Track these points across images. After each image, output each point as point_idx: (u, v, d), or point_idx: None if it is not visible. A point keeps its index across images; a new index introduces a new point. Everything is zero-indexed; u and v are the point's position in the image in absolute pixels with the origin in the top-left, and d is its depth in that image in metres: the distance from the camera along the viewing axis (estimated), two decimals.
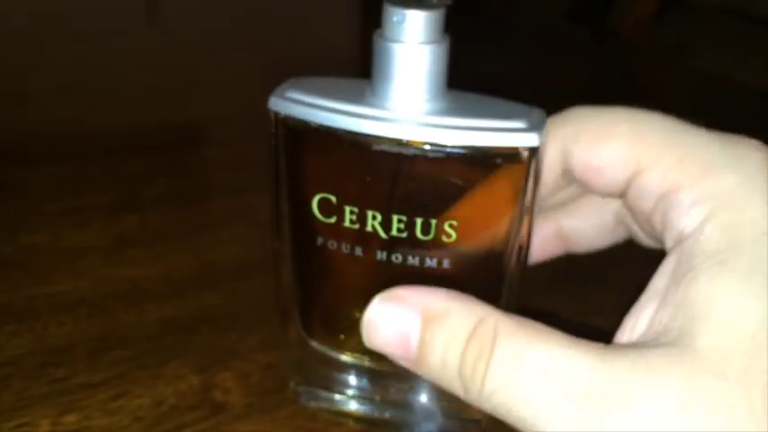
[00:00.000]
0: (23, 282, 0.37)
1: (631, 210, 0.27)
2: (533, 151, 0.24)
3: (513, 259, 0.26)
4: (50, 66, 0.63)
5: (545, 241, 0.30)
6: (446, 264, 0.25)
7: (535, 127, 0.24)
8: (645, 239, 0.29)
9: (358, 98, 0.24)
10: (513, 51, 0.74)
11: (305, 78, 0.26)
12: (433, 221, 0.24)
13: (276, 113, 0.25)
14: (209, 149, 0.54)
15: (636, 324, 0.23)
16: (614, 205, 0.29)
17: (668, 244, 0.24)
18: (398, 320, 0.23)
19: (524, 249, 0.26)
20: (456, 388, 0.22)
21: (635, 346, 0.22)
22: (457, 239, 0.25)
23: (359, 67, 0.26)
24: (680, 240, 0.23)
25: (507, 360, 0.21)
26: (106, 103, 0.58)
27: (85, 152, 0.50)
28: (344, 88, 0.25)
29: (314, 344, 0.29)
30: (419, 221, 0.24)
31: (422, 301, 0.23)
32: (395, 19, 0.23)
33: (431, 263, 0.25)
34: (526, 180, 0.24)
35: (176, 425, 0.29)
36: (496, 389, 0.21)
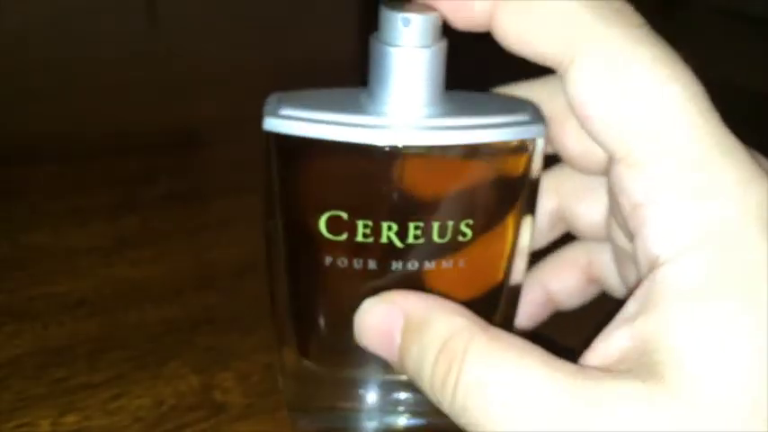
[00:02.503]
0: (23, 282, 0.37)
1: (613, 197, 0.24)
2: (539, 142, 0.24)
3: (522, 254, 0.26)
4: (50, 66, 0.63)
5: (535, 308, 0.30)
6: (461, 263, 0.25)
7: (537, 119, 0.24)
8: (619, 289, 0.28)
9: (355, 107, 0.23)
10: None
11: (289, 93, 0.24)
12: (450, 223, 0.24)
13: (275, 135, 0.23)
14: (209, 150, 0.54)
15: (607, 350, 0.21)
16: (582, 261, 0.30)
17: (641, 263, 0.22)
18: (384, 322, 0.23)
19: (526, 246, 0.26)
20: (431, 397, 0.22)
21: (606, 376, 0.20)
22: (472, 237, 0.24)
23: (357, 68, 0.25)
24: (653, 267, 0.21)
25: (474, 382, 0.20)
26: (106, 104, 0.58)
27: (85, 152, 0.50)
28: (338, 99, 0.24)
29: (311, 365, 0.28)
30: (436, 225, 0.24)
31: (407, 306, 0.23)
32: (400, 22, 0.23)
33: (447, 264, 0.25)
34: (531, 171, 0.25)
35: (176, 425, 0.29)
36: (466, 407, 0.21)
